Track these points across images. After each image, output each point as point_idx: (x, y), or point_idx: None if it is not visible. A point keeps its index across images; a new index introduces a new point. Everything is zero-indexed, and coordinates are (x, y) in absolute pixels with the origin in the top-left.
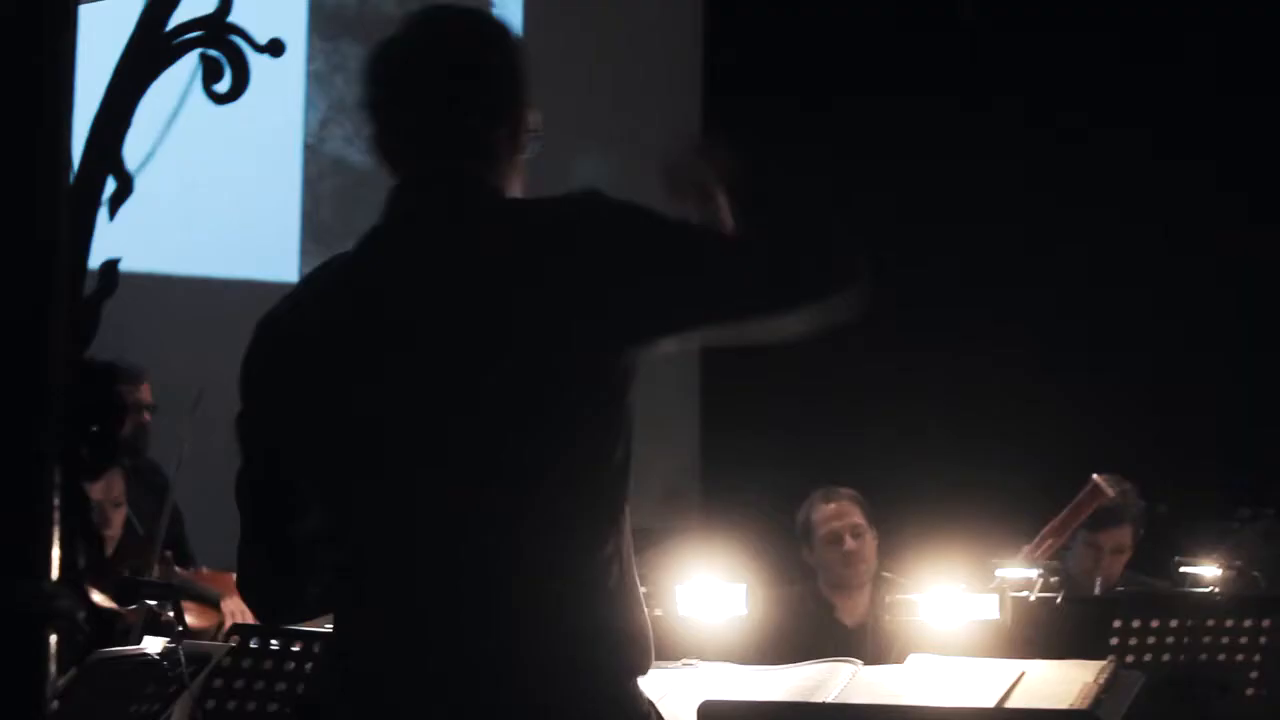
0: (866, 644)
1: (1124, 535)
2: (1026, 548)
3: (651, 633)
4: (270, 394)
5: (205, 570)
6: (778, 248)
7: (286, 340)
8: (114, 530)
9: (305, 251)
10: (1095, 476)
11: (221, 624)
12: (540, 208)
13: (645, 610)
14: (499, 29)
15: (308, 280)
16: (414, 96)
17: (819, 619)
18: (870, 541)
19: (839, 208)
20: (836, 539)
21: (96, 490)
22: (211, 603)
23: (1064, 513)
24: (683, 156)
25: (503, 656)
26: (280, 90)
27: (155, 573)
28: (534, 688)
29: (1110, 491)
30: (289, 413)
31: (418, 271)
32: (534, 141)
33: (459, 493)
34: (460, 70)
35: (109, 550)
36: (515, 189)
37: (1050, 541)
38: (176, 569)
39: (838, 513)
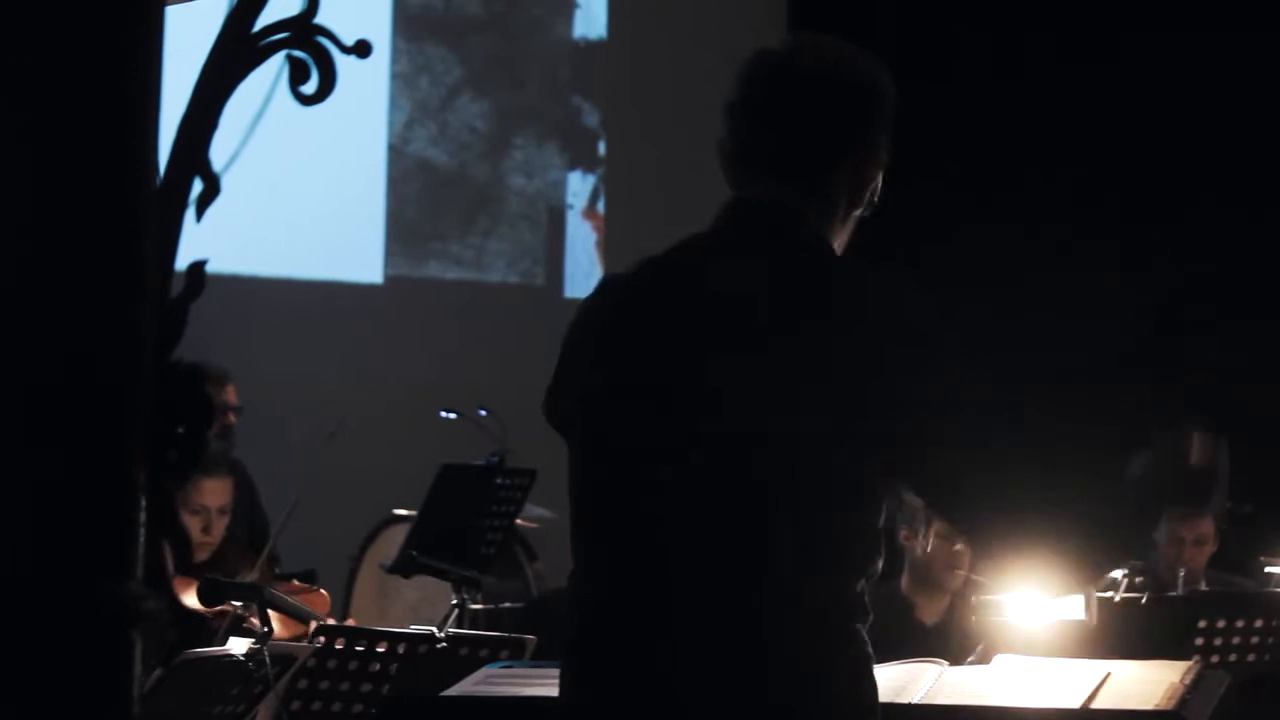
0: (945, 643)
1: (1205, 526)
2: None
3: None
4: (571, 378)
5: (297, 583)
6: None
7: (598, 324)
8: (214, 537)
9: (390, 252)
10: None
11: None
12: (876, 292)
13: (875, 683)
14: (880, 77)
15: (635, 274)
16: (776, 111)
17: (898, 617)
18: (968, 550)
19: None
20: (948, 536)
21: (209, 496)
22: (304, 620)
23: None
24: None
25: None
26: (364, 92)
27: (253, 577)
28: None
29: None
30: (578, 397)
31: (724, 301)
32: (873, 204)
33: (708, 544)
34: (831, 104)
35: (206, 556)
36: (842, 239)
37: None
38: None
39: None
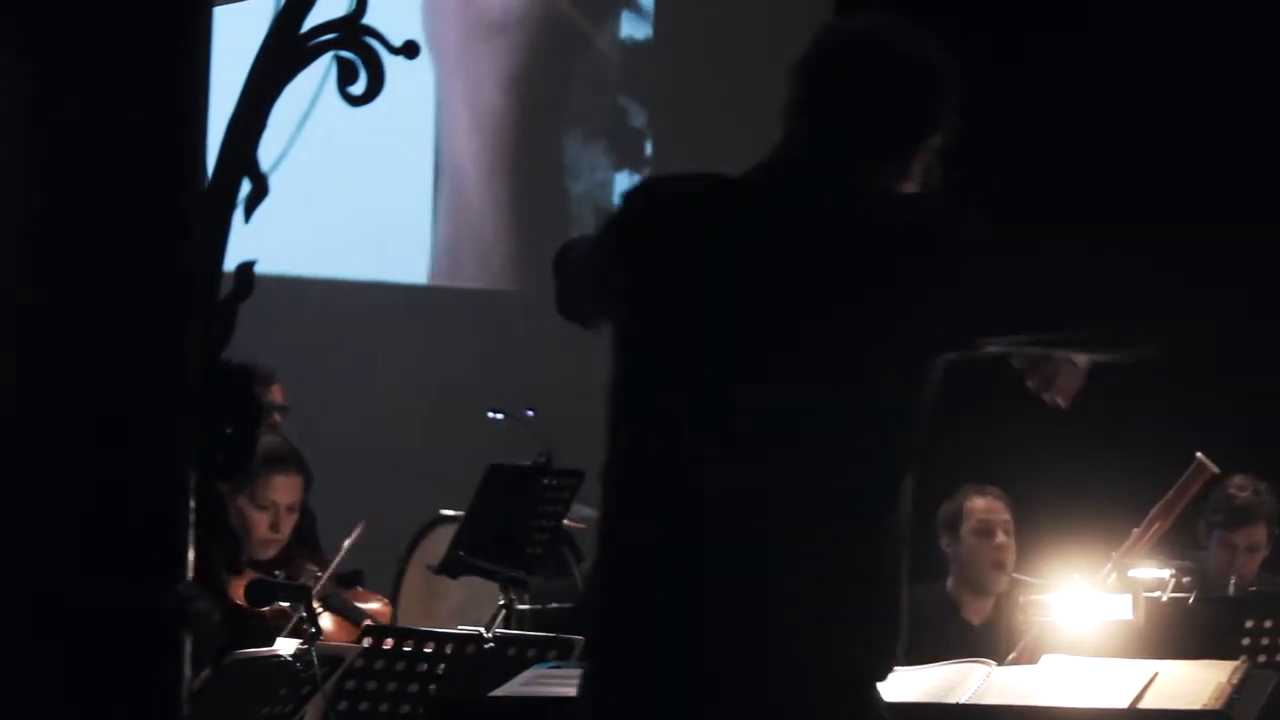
0: (991, 642)
1: (1258, 533)
2: (1136, 531)
3: (903, 633)
4: (624, 266)
5: (360, 590)
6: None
7: (650, 233)
8: (282, 534)
9: (436, 252)
10: (1199, 455)
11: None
12: (904, 205)
13: (902, 610)
14: (939, 56)
15: (684, 180)
16: (837, 81)
17: (944, 618)
18: (1013, 545)
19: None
20: (988, 531)
21: (278, 492)
22: (355, 622)
23: (1170, 494)
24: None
25: (775, 657)
26: (410, 91)
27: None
28: (790, 688)
29: (1214, 468)
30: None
31: (778, 231)
32: (926, 174)
33: (745, 470)
34: (889, 77)
35: (273, 553)
36: None
37: (1158, 524)
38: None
39: (991, 508)
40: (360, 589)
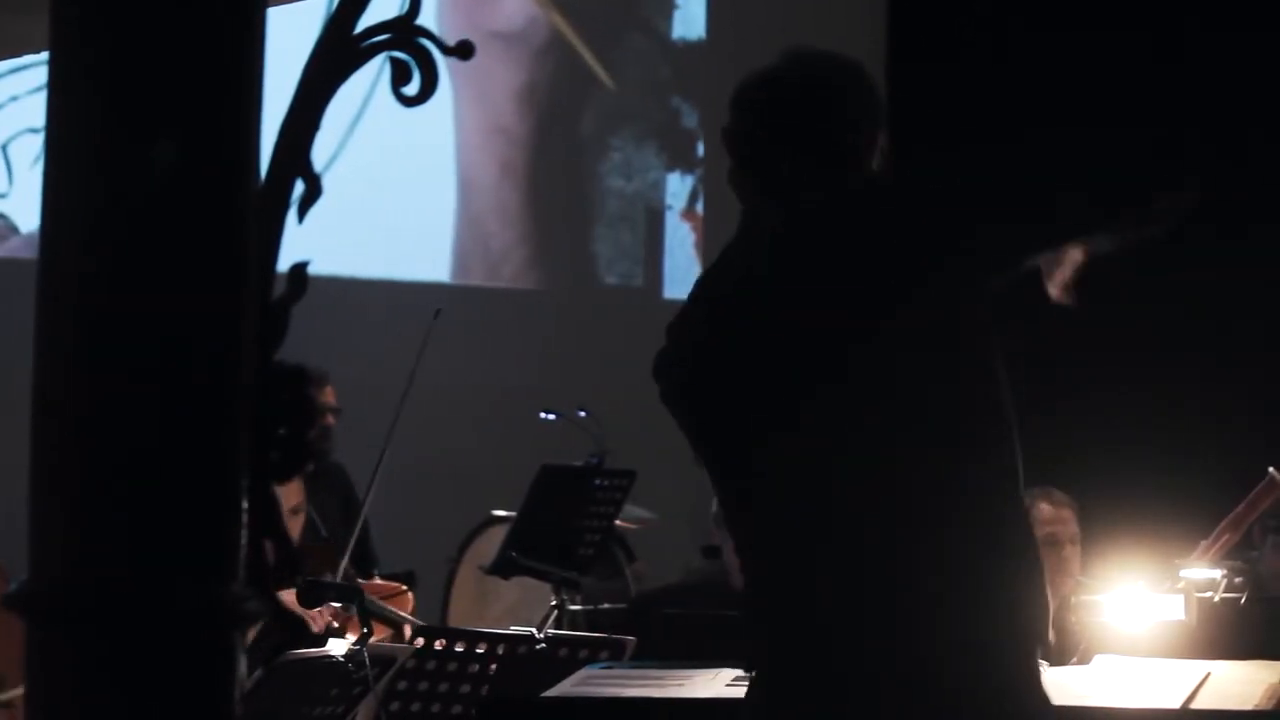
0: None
1: None
2: (1204, 543)
3: (1049, 628)
4: (690, 401)
5: (379, 580)
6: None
7: (694, 352)
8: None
9: (490, 254)
10: (1271, 470)
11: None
12: (867, 196)
13: (1047, 603)
14: (858, 69)
15: (701, 289)
16: (776, 126)
17: None
18: (1079, 552)
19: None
20: (1054, 544)
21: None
22: (395, 626)
23: (1240, 508)
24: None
25: (910, 679)
26: (462, 92)
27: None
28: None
29: None
30: (703, 420)
31: (795, 278)
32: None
33: (861, 506)
34: (820, 106)
35: None
36: None
37: (1227, 536)
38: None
39: (1059, 518)
40: (377, 578)
